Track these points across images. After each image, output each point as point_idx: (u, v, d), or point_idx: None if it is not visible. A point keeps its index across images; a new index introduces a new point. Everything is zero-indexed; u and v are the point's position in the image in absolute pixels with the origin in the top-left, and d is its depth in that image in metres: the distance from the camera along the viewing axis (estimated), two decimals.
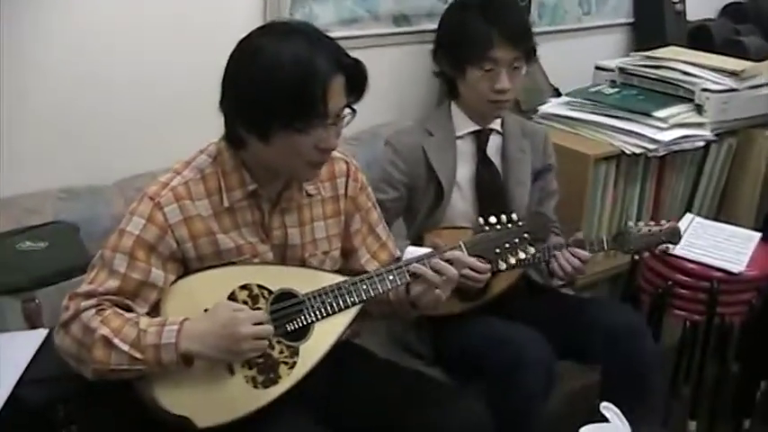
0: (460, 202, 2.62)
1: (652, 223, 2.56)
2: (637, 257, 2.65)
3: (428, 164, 2.58)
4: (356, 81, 1.88)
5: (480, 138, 2.64)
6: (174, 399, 1.82)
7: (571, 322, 2.54)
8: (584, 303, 2.69)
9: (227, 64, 1.86)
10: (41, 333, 2.02)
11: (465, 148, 2.64)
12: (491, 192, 2.62)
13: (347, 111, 1.88)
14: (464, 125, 2.63)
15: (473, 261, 2.20)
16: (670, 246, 2.57)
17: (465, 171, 2.63)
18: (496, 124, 2.65)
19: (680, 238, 2.56)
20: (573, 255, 2.49)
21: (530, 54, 2.56)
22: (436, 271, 1.99)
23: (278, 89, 1.77)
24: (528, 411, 2.36)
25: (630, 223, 2.56)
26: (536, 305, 2.62)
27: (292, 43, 1.81)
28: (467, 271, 2.32)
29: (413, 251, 2.15)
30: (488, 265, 2.34)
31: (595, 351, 2.49)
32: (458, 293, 2.44)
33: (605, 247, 2.55)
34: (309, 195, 2.04)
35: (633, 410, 2.04)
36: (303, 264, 2.04)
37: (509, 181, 2.65)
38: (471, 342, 2.46)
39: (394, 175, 2.58)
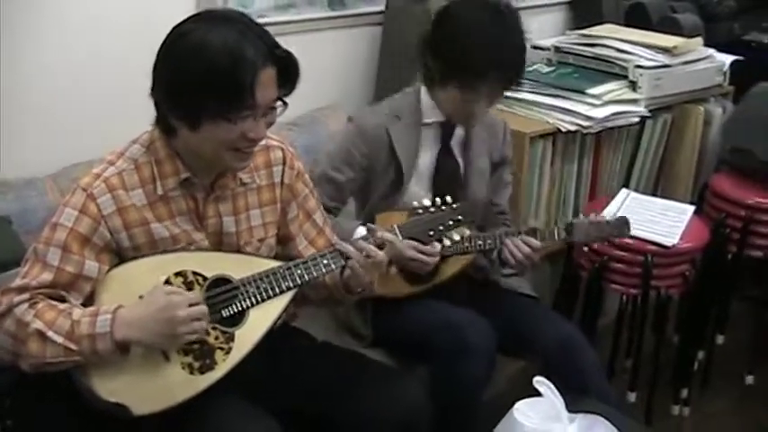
0: (418, 188, 2.60)
1: (602, 216, 2.62)
2: (586, 248, 2.73)
3: (391, 148, 2.54)
4: (288, 73, 1.88)
5: (445, 128, 2.61)
6: (110, 387, 1.82)
7: (511, 326, 2.55)
8: (525, 310, 2.66)
9: (158, 50, 1.86)
10: None
11: (429, 136, 2.60)
12: (449, 182, 2.59)
13: (279, 103, 1.89)
14: (432, 114, 2.58)
15: (411, 244, 2.26)
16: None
17: (426, 158, 2.60)
18: None
19: (629, 229, 2.63)
20: (524, 242, 2.51)
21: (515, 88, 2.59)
22: (367, 254, 2.01)
23: (205, 78, 1.77)
24: (471, 396, 2.40)
25: (580, 215, 2.63)
26: (480, 297, 2.62)
27: (222, 31, 1.80)
28: (414, 253, 2.35)
29: (362, 232, 2.17)
30: (437, 249, 2.37)
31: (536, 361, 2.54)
32: (406, 276, 2.49)
33: (556, 238, 2.58)
34: (244, 184, 2.05)
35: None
36: (239, 251, 2.05)
37: (469, 172, 2.65)
38: (414, 325, 2.48)
39: (354, 155, 2.54)
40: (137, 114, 1.93)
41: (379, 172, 2.56)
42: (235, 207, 2.04)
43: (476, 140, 2.65)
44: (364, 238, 2.04)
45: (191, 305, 1.83)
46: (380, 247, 2.03)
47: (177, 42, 1.83)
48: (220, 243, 2.03)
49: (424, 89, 2.59)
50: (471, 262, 2.61)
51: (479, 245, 2.53)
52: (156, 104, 1.89)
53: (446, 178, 2.61)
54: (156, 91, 1.87)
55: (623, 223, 2.61)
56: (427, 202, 2.13)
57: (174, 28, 1.87)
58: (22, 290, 1.84)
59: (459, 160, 2.65)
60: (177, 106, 1.84)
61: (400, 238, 2.07)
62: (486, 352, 2.39)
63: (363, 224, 2.39)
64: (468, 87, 2.43)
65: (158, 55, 1.86)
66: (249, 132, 1.85)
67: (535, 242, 2.52)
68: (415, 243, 2.37)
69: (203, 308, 1.85)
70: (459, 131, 2.64)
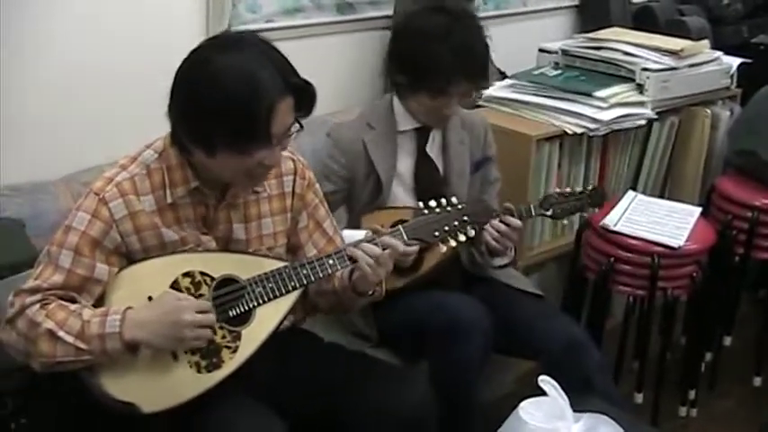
0: (402, 194, 2.65)
1: (578, 189, 2.65)
2: (566, 222, 2.79)
3: (368, 158, 2.61)
4: (304, 101, 1.91)
5: (421, 134, 2.67)
6: (119, 386, 1.86)
7: (515, 325, 2.57)
8: (528, 308, 2.67)
9: (176, 73, 1.88)
10: None
11: (406, 143, 2.67)
12: (430, 186, 2.63)
13: (295, 127, 1.92)
14: (406, 121, 2.65)
15: (405, 248, 2.26)
16: (596, 209, 2.70)
17: (406, 164, 2.66)
18: None
19: (603, 198, 2.66)
20: (503, 222, 2.52)
21: (484, 86, 2.62)
22: (371, 255, 2.03)
23: (221, 111, 1.79)
24: (469, 377, 2.42)
25: (555, 189, 2.64)
26: (481, 295, 2.60)
27: (239, 60, 1.82)
28: None
29: (349, 235, 2.20)
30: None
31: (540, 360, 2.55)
32: (394, 270, 2.51)
33: (533, 214, 2.59)
34: (256, 192, 2.08)
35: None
36: None
37: (449, 174, 2.69)
38: (412, 313, 2.50)
39: (333, 168, 2.62)
40: (145, 120, 1.96)
41: (360, 182, 2.63)
42: (246, 215, 2.08)
43: (454, 142, 2.70)
44: (370, 240, 2.07)
45: (199, 312, 1.86)
46: (386, 248, 2.05)
47: (194, 71, 1.86)
48: (228, 248, 2.06)
49: (395, 98, 2.66)
50: (455, 251, 2.57)
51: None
52: (172, 124, 1.92)
53: (427, 182, 2.66)
54: (172, 113, 1.90)
55: (598, 193, 2.65)
56: (433, 203, 2.15)
57: (193, 53, 1.89)
58: (33, 291, 1.88)
59: (439, 163, 2.69)
60: (193, 133, 1.87)
61: (406, 238, 2.09)
62: (480, 329, 2.41)
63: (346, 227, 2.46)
64: (438, 93, 2.51)
65: (176, 79, 1.88)
66: (264, 160, 1.89)
67: (514, 221, 2.52)
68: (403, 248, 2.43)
69: (211, 316, 1.88)
70: (436, 135, 2.70)
